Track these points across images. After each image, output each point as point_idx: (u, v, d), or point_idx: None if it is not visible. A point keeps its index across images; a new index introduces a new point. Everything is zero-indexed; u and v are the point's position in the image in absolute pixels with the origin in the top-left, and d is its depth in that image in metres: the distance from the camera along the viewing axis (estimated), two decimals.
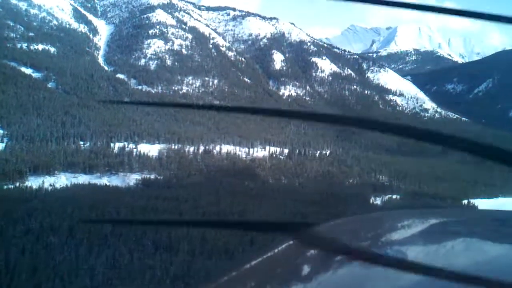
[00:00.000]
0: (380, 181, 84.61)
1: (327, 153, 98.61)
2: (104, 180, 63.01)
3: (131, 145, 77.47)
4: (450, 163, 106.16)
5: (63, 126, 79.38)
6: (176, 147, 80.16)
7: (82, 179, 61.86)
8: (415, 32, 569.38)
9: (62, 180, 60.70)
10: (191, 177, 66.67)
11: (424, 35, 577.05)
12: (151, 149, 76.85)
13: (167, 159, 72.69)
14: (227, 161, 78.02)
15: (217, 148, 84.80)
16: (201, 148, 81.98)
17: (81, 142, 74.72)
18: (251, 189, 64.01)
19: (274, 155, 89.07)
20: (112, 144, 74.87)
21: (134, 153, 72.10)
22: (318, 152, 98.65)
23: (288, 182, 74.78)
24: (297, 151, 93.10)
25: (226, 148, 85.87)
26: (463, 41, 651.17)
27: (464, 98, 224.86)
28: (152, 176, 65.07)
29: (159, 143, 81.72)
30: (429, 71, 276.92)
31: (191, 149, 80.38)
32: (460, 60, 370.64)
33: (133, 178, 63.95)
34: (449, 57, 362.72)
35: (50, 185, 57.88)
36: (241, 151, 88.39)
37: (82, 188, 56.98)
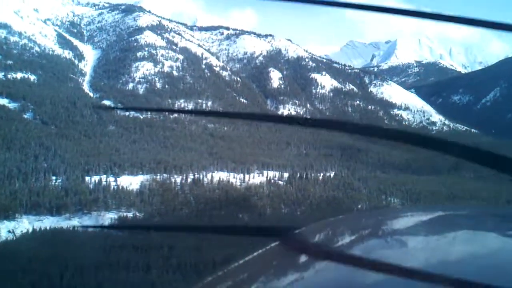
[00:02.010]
0: (391, 205, 76.07)
1: (331, 175, 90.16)
2: (74, 222, 54.51)
3: (110, 178, 69.11)
4: (465, 179, 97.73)
5: (34, 160, 71.14)
6: (161, 177, 71.72)
7: (48, 222, 53.43)
8: (415, 44, 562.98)
9: (23, 224, 52.26)
10: (175, 212, 58.18)
11: (424, 47, 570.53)
12: (133, 182, 68.45)
13: (149, 192, 64.17)
14: (219, 191, 69.34)
15: (209, 176, 76.27)
16: (190, 177, 73.46)
17: (53, 177, 66.44)
18: (245, 224, 55.26)
19: (273, 181, 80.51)
20: (88, 178, 66.53)
21: (112, 187, 63.75)
22: (322, 174, 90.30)
23: (288, 212, 66.16)
24: (298, 174, 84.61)
25: (218, 176, 77.38)
26: (465, 51, 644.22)
27: (472, 109, 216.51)
28: (130, 214, 56.62)
29: (142, 174, 73.28)
30: (433, 82, 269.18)
31: (179, 179, 71.89)
32: (463, 70, 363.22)
33: (108, 218, 55.51)
34: (452, 68, 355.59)
35: (9, 231, 49.55)
36: (235, 178, 79.95)
37: (44, 234, 48.54)
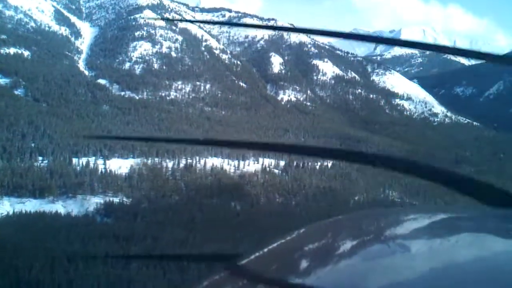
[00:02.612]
0: (390, 198, 73.85)
1: (329, 165, 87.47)
2: (58, 205, 52.26)
3: (99, 161, 66.67)
4: (466, 173, 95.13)
5: (22, 139, 68.61)
6: (153, 161, 69.19)
7: (31, 205, 51.05)
8: (419, 35, 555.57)
9: (4, 207, 49.85)
10: (164, 199, 55.80)
11: (428, 38, 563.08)
12: (123, 165, 66.00)
13: (138, 177, 61.73)
14: (212, 178, 66.94)
15: (202, 161, 73.78)
16: (183, 162, 70.96)
17: (40, 158, 64.00)
18: (237, 215, 53.07)
19: (268, 169, 78.11)
20: (75, 160, 64.07)
21: (100, 171, 61.40)
22: (319, 164, 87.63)
23: (282, 202, 63.89)
24: (295, 163, 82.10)
25: (212, 162, 74.87)
26: (469, 43, 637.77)
27: (475, 102, 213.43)
28: (117, 200, 54.31)
29: (133, 157, 70.74)
30: (437, 74, 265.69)
31: (171, 163, 69.38)
32: (466, 63, 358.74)
33: (93, 202, 53.10)
34: (456, 60, 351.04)
35: None
36: (229, 165, 77.53)
37: (26, 217, 46.16)
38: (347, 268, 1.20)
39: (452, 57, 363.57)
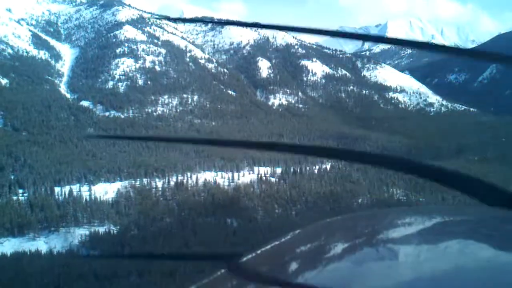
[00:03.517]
0: (395, 197, 69.99)
1: (328, 167, 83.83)
2: (40, 242, 48.13)
3: (84, 187, 62.67)
4: (470, 163, 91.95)
5: (0, 172, 64.56)
6: (141, 183, 65.16)
7: (9, 245, 46.90)
8: (406, 26, 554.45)
9: None
10: (155, 223, 51.73)
11: (415, 28, 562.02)
12: (109, 190, 62.04)
13: (126, 201, 57.65)
14: (205, 194, 62.88)
15: (194, 177, 69.79)
16: (173, 180, 66.93)
17: (20, 191, 59.95)
18: (233, 232, 49.09)
19: (264, 178, 74.20)
20: (58, 189, 59.99)
21: (84, 199, 57.29)
22: (317, 167, 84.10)
23: (281, 213, 59.90)
24: (292, 169, 78.25)
25: (204, 177, 70.92)
26: (456, 30, 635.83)
27: (469, 88, 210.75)
28: (103, 229, 50.11)
29: (120, 180, 66.82)
30: (427, 63, 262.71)
31: (160, 183, 65.34)
32: None
33: (78, 235, 48.94)
34: None
35: None
36: (224, 178, 73.69)
37: (3, 260, 42.04)
38: (346, 268, 1.21)
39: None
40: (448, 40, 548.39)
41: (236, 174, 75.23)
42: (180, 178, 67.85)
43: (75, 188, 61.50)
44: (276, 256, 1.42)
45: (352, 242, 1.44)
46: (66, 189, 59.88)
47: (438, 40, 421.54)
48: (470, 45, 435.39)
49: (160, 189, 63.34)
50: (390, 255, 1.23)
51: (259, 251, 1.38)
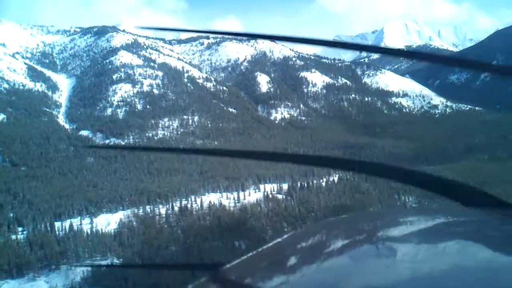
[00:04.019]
0: (407, 205, 67.42)
1: (335, 179, 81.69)
2: (40, 282, 45.95)
3: (85, 220, 60.66)
4: (481, 163, 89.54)
5: None
6: (144, 211, 63.04)
7: (9, 287, 44.72)
8: (402, 29, 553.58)
9: None
10: (159, 252, 49.44)
11: (412, 31, 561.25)
12: (111, 220, 59.93)
13: (129, 231, 55.40)
14: (210, 218, 60.46)
15: (198, 200, 67.68)
16: (177, 205, 64.72)
17: (19, 229, 57.90)
18: (242, 255, 46.45)
19: (271, 195, 71.88)
20: (59, 224, 57.90)
21: (85, 232, 55.05)
22: (325, 179, 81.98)
23: (291, 231, 57.27)
24: (299, 184, 75.99)
25: (209, 199, 68.79)
26: (453, 30, 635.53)
27: (472, 87, 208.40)
28: (106, 262, 47.90)
29: (123, 209, 64.82)
30: (427, 65, 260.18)
31: (164, 209, 63.15)
32: (454, 50, 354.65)
33: (79, 272, 46.64)
34: (443, 48, 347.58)
35: None
36: (229, 199, 71.52)
37: None
38: (342, 269, 1.21)
39: (440, 46, 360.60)
40: (446, 41, 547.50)
41: (241, 194, 73.15)
42: (184, 202, 65.75)
43: (76, 221, 59.50)
44: (264, 261, 1.42)
45: (349, 242, 1.44)
46: (67, 223, 57.80)
47: (436, 42, 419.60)
48: (468, 44, 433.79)
49: (164, 216, 61.11)
50: (390, 255, 1.23)
51: (244, 258, 1.37)
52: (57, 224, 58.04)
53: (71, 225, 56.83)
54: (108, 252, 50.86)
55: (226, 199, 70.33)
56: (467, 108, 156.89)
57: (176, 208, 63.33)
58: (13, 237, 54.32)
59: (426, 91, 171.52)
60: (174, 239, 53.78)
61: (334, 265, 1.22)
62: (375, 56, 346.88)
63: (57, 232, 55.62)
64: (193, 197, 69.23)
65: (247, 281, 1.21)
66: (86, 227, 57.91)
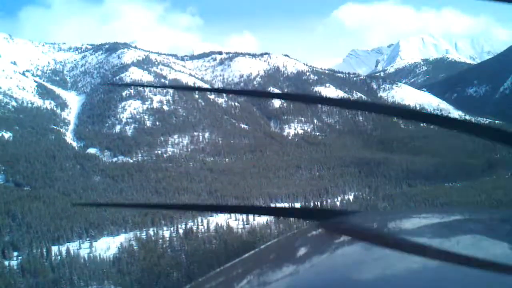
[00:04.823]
0: None
1: (351, 198, 77.82)
2: None
3: (85, 244, 57.58)
4: (504, 179, 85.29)
5: None
6: (147, 233, 59.58)
7: None
8: (418, 43, 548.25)
9: None
10: (161, 280, 45.89)
11: (428, 45, 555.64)
12: (112, 244, 56.58)
13: (129, 257, 51.85)
14: (217, 241, 56.74)
15: (205, 222, 64.15)
16: (182, 228, 61.21)
17: (15, 253, 54.90)
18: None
19: (282, 216, 67.88)
20: (56, 248, 54.73)
21: (83, 257, 51.72)
22: (340, 198, 78.20)
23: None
24: (312, 203, 72.10)
25: (217, 220, 65.23)
26: (471, 43, 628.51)
27: (491, 100, 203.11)
28: None
29: (125, 232, 61.50)
30: (444, 78, 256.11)
31: (168, 232, 59.75)
32: (472, 62, 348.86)
33: None
34: (461, 61, 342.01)
35: None
36: (237, 220, 68.16)
37: None
38: (341, 270, 1.21)
39: (457, 59, 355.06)
40: (463, 53, 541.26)
41: (251, 215, 69.32)
42: (190, 224, 62.33)
43: (74, 245, 56.47)
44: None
45: (348, 243, 1.43)
46: (65, 247, 54.66)
47: (453, 55, 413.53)
48: (486, 56, 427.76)
49: (167, 239, 57.54)
50: (386, 255, 1.23)
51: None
52: (55, 249, 54.95)
53: (68, 250, 53.64)
54: (105, 280, 47.48)
55: (234, 221, 66.88)
56: (487, 122, 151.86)
57: (181, 231, 59.79)
58: (6, 263, 51.21)
59: (443, 104, 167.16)
60: (176, 264, 50.23)
61: (334, 265, 1.23)
62: (391, 69, 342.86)
63: (53, 258, 52.44)
64: (199, 219, 65.86)
65: (245, 282, 1.19)
66: (84, 251, 54.81)
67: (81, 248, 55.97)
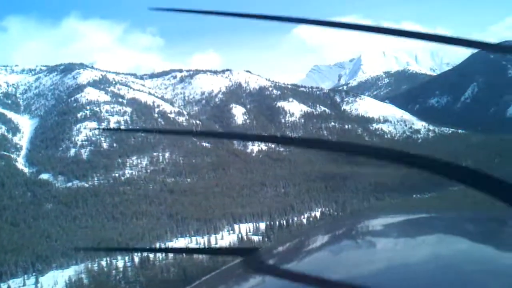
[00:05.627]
0: None
1: (317, 214, 74.68)
2: None
3: (30, 280, 52.57)
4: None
5: None
6: (99, 265, 55.05)
7: None
8: (380, 56, 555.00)
9: None
10: None
11: (389, 58, 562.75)
12: (60, 279, 51.83)
13: None
14: (175, 270, 52.63)
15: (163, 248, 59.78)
16: (138, 256, 56.81)
17: None
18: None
19: (246, 238, 64.50)
20: None
21: None
22: (306, 215, 75.08)
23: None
24: (278, 222, 68.69)
25: (177, 245, 61.03)
26: (430, 55, 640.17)
27: (453, 109, 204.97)
28: None
29: (76, 264, 56.81)
30: (406, 90, 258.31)
31: (121, 262, 55.27)
32: (432, 74, 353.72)
33: None
34: (422, 72, 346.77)
35: None
36: (199, 244, 64.03)
37: None
38: (350, 261, 1.26)
39: (418, 70, 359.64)
40: (423, 65, 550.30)
41: (213, 237, 65.86)
42: (144, 254, 57.83)
43: (18, 282, 51.41)
44: (288, 252, 1.51)
45: (355, 240, 1.54)
46: (6, 286, 49.66)
47: (414, 67, 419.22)
48: (446, 68, 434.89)
49: (121, 270, 53.18)
50: (386, 253, 1.25)
51: (274, 245, 1.49)
52: None
53: None
54: None
55: (195, 245, 62.83)
56: (450, 132, 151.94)
57: (136, 259, 55.45)
58: None
59: (407, 115, 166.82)
60: None
61: (334, 264, 1.26)
62: (353, 83, 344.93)
63: None
64: (158, 245, 61.52)
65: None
66: None
67: (25, 286, 51.04)
